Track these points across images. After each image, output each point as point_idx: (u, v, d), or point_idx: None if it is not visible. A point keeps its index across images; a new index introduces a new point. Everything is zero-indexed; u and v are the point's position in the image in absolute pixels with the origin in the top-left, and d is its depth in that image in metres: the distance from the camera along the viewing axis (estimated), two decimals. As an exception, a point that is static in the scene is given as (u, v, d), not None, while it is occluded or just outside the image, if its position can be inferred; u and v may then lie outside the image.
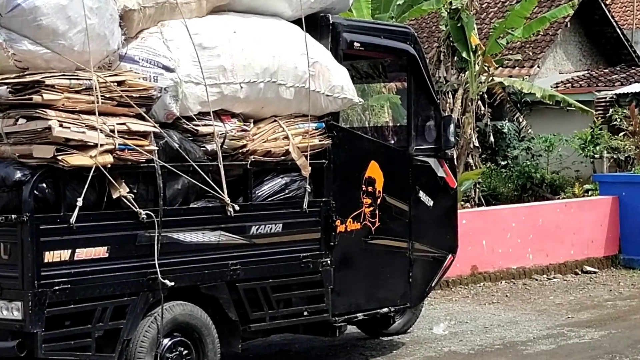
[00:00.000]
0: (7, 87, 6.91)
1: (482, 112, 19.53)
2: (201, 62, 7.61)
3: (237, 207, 7.86)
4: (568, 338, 10.42)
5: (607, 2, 28.69)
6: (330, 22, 8.87)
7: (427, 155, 9.85)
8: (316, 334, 9.30)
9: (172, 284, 7.42)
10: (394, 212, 9.43)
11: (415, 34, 10.39)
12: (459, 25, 18.55)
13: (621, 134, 18.92)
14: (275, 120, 8.28)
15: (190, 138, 7.66)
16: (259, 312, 8.19)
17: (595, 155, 20.44)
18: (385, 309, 9.58)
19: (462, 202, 15.62)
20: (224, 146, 7.78)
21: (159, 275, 7.30)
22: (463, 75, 18.99)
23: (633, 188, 15.35)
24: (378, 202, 9.25)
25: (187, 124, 7.63)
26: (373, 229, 9.20)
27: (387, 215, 9.34)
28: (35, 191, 6.85)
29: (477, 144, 18.96)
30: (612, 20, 26.79)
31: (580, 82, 24.31)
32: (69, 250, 7.00)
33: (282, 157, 8.25)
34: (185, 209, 7.69)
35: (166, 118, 7.52)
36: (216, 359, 7.85)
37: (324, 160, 8.63)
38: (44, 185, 6.91)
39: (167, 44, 7.59)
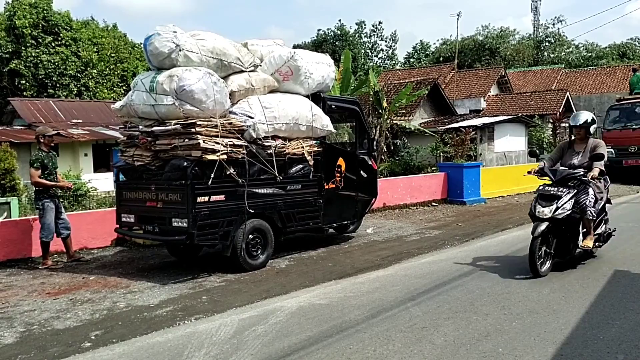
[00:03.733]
0: (180, 125, 6.87)
1: (388, 136, 19.43)
2: (265, 114, 7.54)
3: (281, 178, 7.83)
4: (425, 234, 10.35)
5: (443, 87, 28.49)
6: (322, 96, 8.79)
7: (364, 154, 9.75)
8: (315, 233, 9.22)
9: (253, 211, 7.40)
10: (349, 180, 9.30)
11: (359, 101, 10.31)
12: (377, 97, 18.43)
13: (448, 145, 18.81)
14: (298, 139, 8.18)
15: (261, 147, 7.57)
16: (290, 223, 8.13)
17: (437, 154, 20.31)
18: (346, 222, 9.52)
19: (380, 175, 15.54)
20: (275, 151, 7.69)
21: (247, 207, 7.29)
22: (380, 119, 18.86)
23: (454, 169, 15.21)
24: (342, 175, 9.14)
25: (259, 141, 7.55)
26: (340, 187, 9.09)
27: (346, 181, 9.22)
28: (192, 171, 6.83)
29: (385, 150, 18.92)
30: (444, 95, 26.62)
31: (430, 122, 24.13)
32: (207, 197, 6.98)
33: (300, 156, 8.16)
34: (258, 178, 7.62)
35: (250, 139, 7.43)
36: (272, 244, 7.81)
37: (319, 157, 8.54)
38: (197, 168, 6.88)
39: (250, 106, 7.52)
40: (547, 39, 58.03)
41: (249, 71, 7.91)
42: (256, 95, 7.76)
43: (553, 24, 58.62)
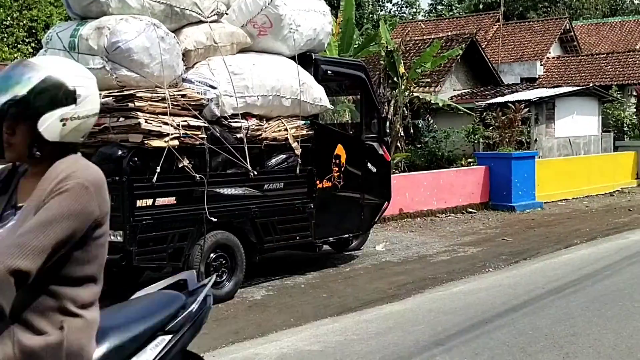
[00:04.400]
0: (112, 98, 6.89)
1: (406, 114, 19.46)
2: (233, 83, 7.58)
3: (255, 173, 7.86)
4: (458, 252, 10.45)
5: (483, 47, 28.60)
6: (313, 58, 8.83)
7: (372, 140, 9.79)
8: (304, 251, 9.31)
9: (215, 219, 7.43)
10: (352, 176, 9.35)
11: (365, 65, 10.35)
12: (391, 60, 18.44)
13: (490, 128, 18.88)
14: (279, 119, 8.21)
15: (227, 130, 7.61)
16: (269, 237, 8.17)
17: (475, 141, 20.38)
18: (347, 235, 9.57)
19: (394, 170, 15.57)
20: (247, 135, 7.72)
21: (207, 214, 7.31)
22: (394, 91, 18.89)
23: (498, 161, 15.36)
24: (342, 169, 9.19)
25: (225, 121, 7.60)
26: (339, 186, 9.15)
27: (347, 177, 9.26)
28: (130, 163, 6.86)
29: (402, 134, 18.92)
30: (485, 57, 26.71)
31: (466, 96, 24.21)
32: (151, 199, 7.00)
33: (283, 142, 8.20)
34: (223, 173, 7.68)
35: (211, 117, 7.48)
36: (243, 266, 7.85)
37: (309, 144, 8.58)
38: (136, 159, 6.91)
39: (212, 72, 7.58)
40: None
41: (211, 22, 7.90)
42: (221, 56, 7.76)
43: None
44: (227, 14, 8.25)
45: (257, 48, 8.33)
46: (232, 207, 7.75)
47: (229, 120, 7.61)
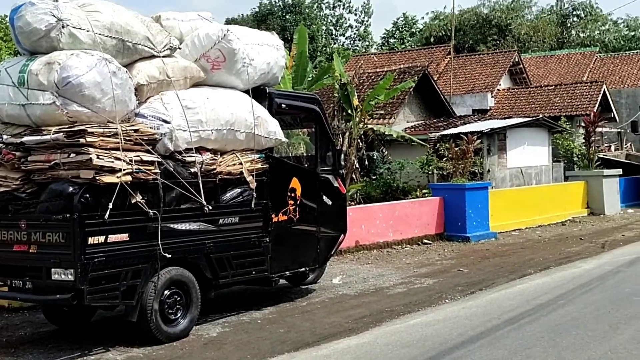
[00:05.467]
0: (63, 134, 6.80)
1: (360, 146, 19.60)
2: (187, 117, 7.57)
3: (210, 207, 7.81)
4: (414, 284, 10.48)
5: (435, 79, 29.07)
6: (267, 91, 8.87)
7: (327, 173, 9.83)
8: (261, 285, 9.26)
9: (170, 256, 7.33)
10: (308, 209, 9.35)
11: (319, 98, 10.43)
12: (345, 93, 18.61)
13: (444, 159, 19.11)
14: (233, 153, 8.20)
15: (181, 164, 7.56)
16: (224, 272, 8.09)
17: (429, 172, 20.59)
18: (303, 269, 9.53)
19: (350, 202, 15.60)
20: (201, 169, 7.68)
21: (161, 250, 7.22)
22: (349, 123, 19.02)
23: (452, 192, 15.55)
24: (298, 202, 9.18)
25: (178, 156, 7.55)
26: (295, 219, 9.13)
27: (303, 210, 9.26)
28: (81, 199, 6.76)
29: (357, 166, 19.03)
30: (438, 90, 27.13)
31: (419, 128, 24.50)
32: (104, 236, 6.89)
33: (238, 176, 8.16)
34: (177, 208, 7.60)
35: (165, 152, 7.43)
36: (198, 302, 7.75)
37: (264, 177, 8.56)
38: (87, 195, 6.81)
39: (165, 106, 7.56)
40: (574, 13, 60.09)
41: (164, 56, 7.89)
42: (174, 91, 7.74)
43: (582, -9, 60.70)
44: (180, 48, 8.25)
45: (211, 82, 8.33)
46: (186, 243, 7.65)
47: (183, 154, 7.57)
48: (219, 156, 8.00)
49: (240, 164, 8.17)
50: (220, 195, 8.10)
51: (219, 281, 8.07)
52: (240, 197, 8.27)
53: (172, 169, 7.41)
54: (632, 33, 58.86)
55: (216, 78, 8.34)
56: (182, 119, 7.51)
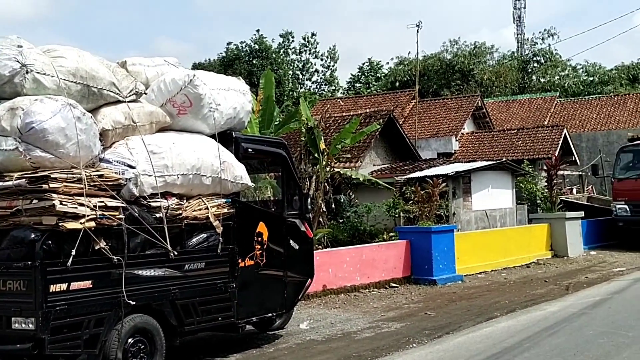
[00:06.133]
0: (25, 180, 6.71)
1: (327, 190, 19.64)
2: (152, 162, 7.53)
3: (175, 253, 7.74)
4: (382, 328, 10.43)
5: (401, 123, 29.41)
6: (234, 136, 8.89)
7: (294, 217, 9.84)
8: (227, 332, 9.13)
9: (134, 303, 7.23)
10: (275, 253, 9.32)
11: (286, 142, 10.47)
12: (312, 137, 18.72)
13: (410, 202, 19.21)
14: (200, 197, 8.17)
15: (146, 210, 7.50)
16: (190, 319, 7.99)
17: (396, 215, 20.67)
18: (270, 314, 9.46)
19: (317, 246, 15.56)
20: (167, 214, 7.63)
21: (125, 297, 7.11)
22: (315, 167, 19.08)
23: (418, 235, 15.61)
24: (264, 247, 9.15)
25: (144, 201, 7.49)
26: (262, 264, 9.08)
27: (270, 255, 9.22)
28: (43, 246, 6.67)
29: (324, 210, 19.04)
30: (403, 133, 27.44)
31: (385, 171, 24.67)
32: (66, 284, 6.78)
33: (204, 221, 8.13)
34: (142, 254, 7.52)
35: (130, 197, 7.37)
36: (162, 350, 7.62)
37: (230, 222, 8.53)
38: (50, 242, 6.71)
39: (130, 151, 7.52)
40: (535, 59, 61.60)
41: (129, 102, 7.89)
42: (139, 136, 7.72)
43: (542, 39, 62.38)
44: (146, 93, 8.26)
45: (177, 127, 8.33)
46: (151, 289, 7.55)
47: (148, 199, 7.52)
48: (185, 201, 7.96)
49: (207, 208, 8.14)
50: (186, 240, 8.03)
51: (185, 328, 7.95)
52: (207, 242, 8.22)
53: (137, 215, 7.35)
54: (591, 78, 60.47)
55: (182, 123, 8.34)
56: (147, 164, 7.47)
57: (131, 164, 7.38)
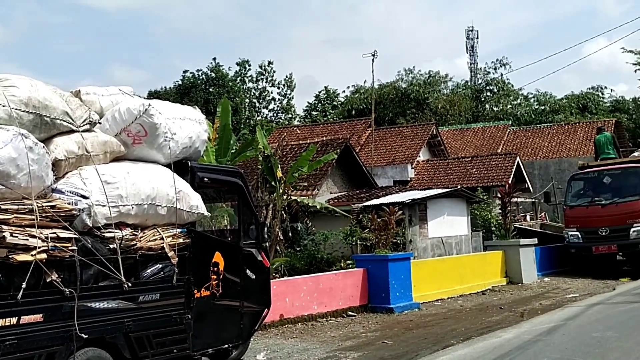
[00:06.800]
0: (-27, 210, 6.56)
1: (284, 218, 19.60)
2: (106, 192, 7.45)
3: (129, 284, 7.62)
4: (339, 358, 10.38)
5: (357, 151, 29.62)
6: (189, 166, 8.85)
7: (251, 246, 9.81)
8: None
9: (86, 336, 7.08)
10: (231, 283, 9.26)
11: (242, 171, 10.46)
12: (269, 165, 18.72)
13: (367, 230, 19.28)
14: (155, 228, 8.08)
15: (99, 241, 7.38)
16: (144, 352, 7.84)
17: (353, 243, 20.71)
18: (226, 345, 9.36)
19: (274, 274, 15.48)
20: (121, 245, 7.51)
21: (77, 331, 6.96)
22: (272, 195, 19.06)
23: (375, 263, 15.64)
24: (221, 277, 9.09)
25: (97, 232, 7.39)
26: (217, 294, 9.01)
27: (226, 285, 9.16)
28: (-8, 279, 6.50)
29: (282, 238, 18.97)
30: (359, 161, 27.62)
31: (342, 199, 24.75)
32: (16, 318, 6.61)
33: (159, 251, 8.02)
34: (95, 286, 7.38)
35: (83, 228, 7.25)
36: (116, 384, 7.49)
37: (186, 252, 8.45)
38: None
39: (84, 181, 7.43)
40: (488, 88, 62.86)
41: (83, 131, 7.80)
42: (93, 166, 7.63)
43: (495, 69, 63.75)
44: (100, 123, 8.18)
45: (132, 156, 8.26)
46: (104, 322, 7.40)
47: (102, 230, 7.40)
48: (139, 231, 7.86)
49: (162, 239, 8.05)
50: (141, 271, 7.90)
51: (139, 361, 7.82)
52: (162, 273, 8.12)
53: (90, 246, 7.21)
54: (542, 107, 61.92)
55: (137, 152, 8.27)
56: (101, 194, 7.38)
57: (84, 194, 7.27)
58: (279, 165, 19.14)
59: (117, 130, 8.15)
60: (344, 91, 64.87)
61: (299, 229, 22.74)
